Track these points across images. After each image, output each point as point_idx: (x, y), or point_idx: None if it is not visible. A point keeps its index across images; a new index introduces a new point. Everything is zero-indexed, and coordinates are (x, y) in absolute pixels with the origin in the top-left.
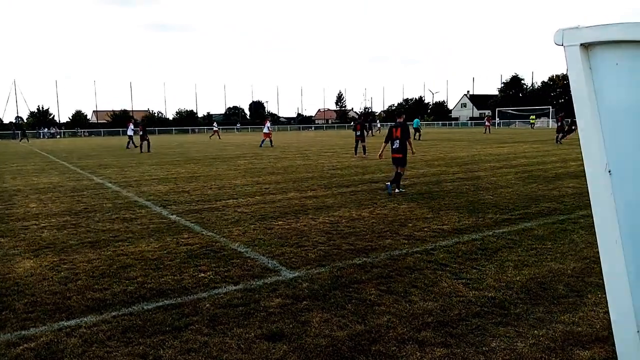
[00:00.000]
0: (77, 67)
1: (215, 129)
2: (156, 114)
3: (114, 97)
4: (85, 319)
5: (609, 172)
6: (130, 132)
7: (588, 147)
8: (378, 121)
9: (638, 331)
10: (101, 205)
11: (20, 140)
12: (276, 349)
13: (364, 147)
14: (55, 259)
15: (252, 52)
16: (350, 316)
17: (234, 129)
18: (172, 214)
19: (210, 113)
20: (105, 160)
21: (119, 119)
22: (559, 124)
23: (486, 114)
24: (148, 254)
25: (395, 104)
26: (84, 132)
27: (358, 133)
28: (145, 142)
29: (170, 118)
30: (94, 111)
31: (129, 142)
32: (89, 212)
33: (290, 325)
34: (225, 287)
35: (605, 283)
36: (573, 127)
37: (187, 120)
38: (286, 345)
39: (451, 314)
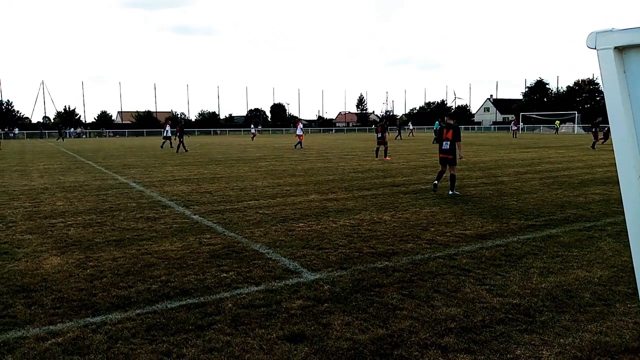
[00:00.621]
0: (103, 68)
1: (253, 131)
2: (179, 115)
3: (139, 99)
4: (111, 316)
5: None
6: (166, 134)
7: (621, 153)
8: (410, 123)
9: None
10: (126, 204)
11: (57, 139)
12: (298, 351)
13: (385, 149)
14: (81, 257)
15: (274, 55)
16: (372, 320)
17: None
18: (194, 214)
19: (232, 115)
20: (130, 160)
21: (143, 120)
22: (594, 129)
23: (510, 118)
24: (171, 253)
25: (417, 108)
26: (108, 132)
27: (379, 135)
28: (179, 143)
29: (193, 119)
30: (118, 112)
31: (163, 143)
32: (114, 210)
33: (312, 327)
34: (247, 287)
35: (638, 289)
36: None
37: (209, 121)
38: (307, 347)
39: (475, 320)
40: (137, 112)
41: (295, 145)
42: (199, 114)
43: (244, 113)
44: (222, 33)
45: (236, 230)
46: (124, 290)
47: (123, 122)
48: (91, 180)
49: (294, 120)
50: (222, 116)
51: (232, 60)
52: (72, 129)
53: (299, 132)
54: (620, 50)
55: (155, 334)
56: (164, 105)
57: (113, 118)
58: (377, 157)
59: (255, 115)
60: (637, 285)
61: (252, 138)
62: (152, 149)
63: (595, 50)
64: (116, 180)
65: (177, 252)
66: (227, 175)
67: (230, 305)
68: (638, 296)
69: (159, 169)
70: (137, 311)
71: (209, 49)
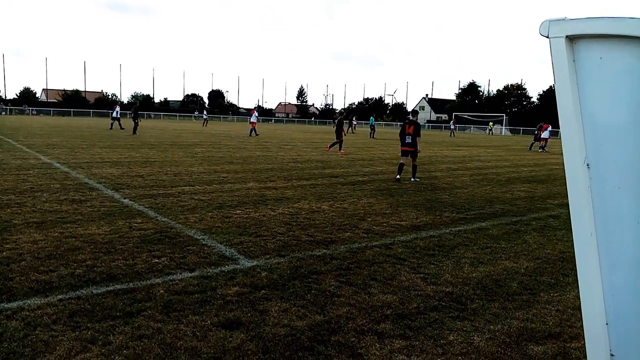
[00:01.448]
0: (28, 42)
1: (205, 117)
2: (110, 97)
3: (66, 76)
4: (29, 301)
5: (587, 165)
6: (115, 115)
7: (568, 140)
8: (355, 118)
9: (607, 323)
10: (48, 185)
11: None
12: (233, 337)
13: (334, 142)
14: None
15: (214, 40)
16: (310, 306)
17: (191, 116)
18: (124, 198)
19: (168, 99)
20: (54, 140)
21: (71, 99)
22: (536, 132)
23: (443, 117)
24: (98, 237)
25: (356, 103)
26: (32, 110)
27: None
28: (135, 124)
29: (125, 101)
30: (44, 89)
31: (112, 124)
32: (35, 191)
33: (248, 314)
34: (180, 273)
35: (578, 274)
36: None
37: (143, 104)
38: (243, 333)
39: (410, 307)
40: (64, 90)
41: (255, 133)
42: (132, 96)
43: (180, 98)
44: (159, 13)
45: (169, 216)
46: (45, 275)
47: (48, 100)
48: (10, 158)
49: (232, 108)
50: (157, 100)
51: (170, 43)
52: None
53: (253, 119)
54: (571, 39)
55: (78, 320)
56: (94, 85)
57: (37, 95)
58: (333, 148)
59: (192, 101)
60: (577, 267)
61: (205, 124)
62: (79, 130)
63: (548, 38)
64: (39, 160)
65: (105, 236)
66: (161, 160)
67: (162, 291)
68: (578, 281)
69: (87, 150)
70: (59, 297)
71: (146, 29)
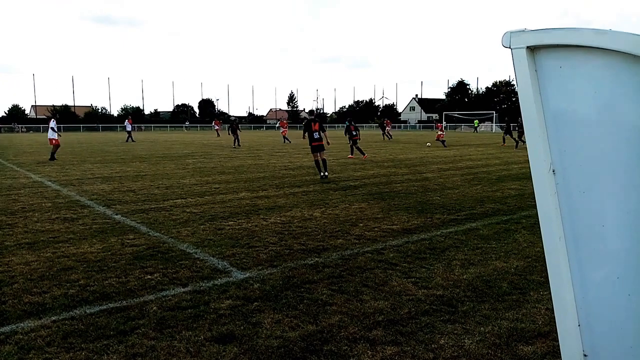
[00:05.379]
0: (14, 59)
1: (217, 127)
2: (99, 110)
3: (55, 92)
4: (22, 325)
5: (553, 171)
6: (129, 128)
7: (533, 147)
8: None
9: (579, 325)
10: (40, 204)
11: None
12: (227, 351)
13: (358, 148)
14: None
15: (202, 49)
16: (302, 316)
17: (182, 127)
18: (116, 214)
19: (158, 110)
20: (44, 157)
21: (60, 115)
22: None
23: (434, 117)
24: (91, 255)
25: (347, 106)
26: (21, 127)
27: (354, 133)
28: (235, 138)
29: (115, 114)
30: (32, 106)
31: (128, 137)
32: (27, 211)
33: (241, 327)
34: (173, 289)
35: (549, 278)
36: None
37: (133, 117)
38: (237, 347)
39: (401, 312)
40: (53, 106)
41: (285, 140)
42: (122, 108)
43: (171, 108)
44: (146, 24)
45: (162, 230)
46: (38, 297)
47: (38, 116)
48: (0, 178)
49: (223, 117)
50: (147, 111)
51: (157, 54)
52: None
53: (282, 128)
54: (532, 50)
55: (72, 341)
56: (82, 99)
57: (26, 112)
58: (352, 154)
59: (182, 111)
60: (548, 270)
61: (218, 134)
62: (70, 146)
63: (510, 49)
64: (29, 179)
65: (97, 254)
66: (152, 173)
67: (155, 308)
68: (550, 285)
69: (78, 167)
70: (53, 318)
71: (132, 41)
